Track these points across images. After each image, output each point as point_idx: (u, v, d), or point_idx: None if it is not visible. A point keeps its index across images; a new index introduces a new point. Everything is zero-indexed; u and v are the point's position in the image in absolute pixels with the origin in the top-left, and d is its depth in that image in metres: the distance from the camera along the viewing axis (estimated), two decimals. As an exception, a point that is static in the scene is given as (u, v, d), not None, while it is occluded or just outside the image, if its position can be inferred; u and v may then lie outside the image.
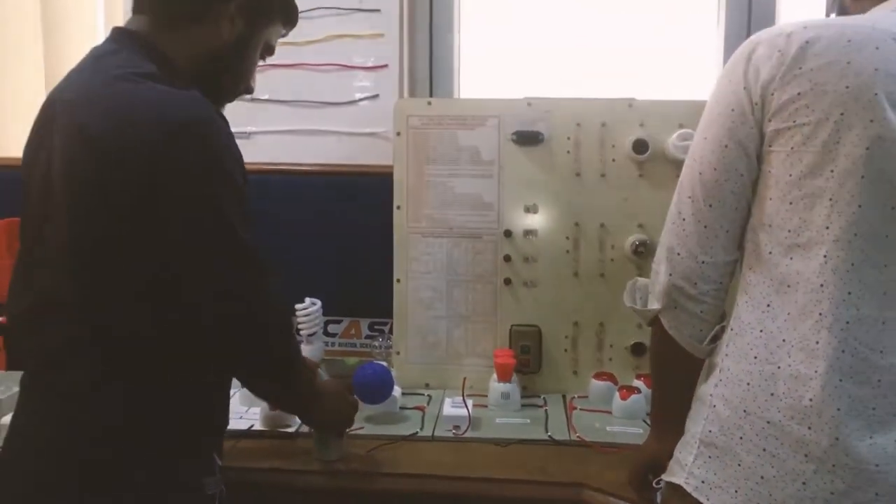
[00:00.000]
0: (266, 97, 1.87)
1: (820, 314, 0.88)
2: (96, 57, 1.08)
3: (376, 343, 1.78)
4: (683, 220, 1.01)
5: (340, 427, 1.31)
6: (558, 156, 1.65)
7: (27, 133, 1.11)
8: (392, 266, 1.70)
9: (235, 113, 1.13)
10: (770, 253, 0.94)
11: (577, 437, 1.42)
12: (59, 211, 1.01)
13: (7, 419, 1.20)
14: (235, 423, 1.35)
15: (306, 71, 1.86)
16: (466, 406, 1.47)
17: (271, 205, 1.78)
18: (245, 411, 1.48)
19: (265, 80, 1.78)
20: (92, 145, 0.98)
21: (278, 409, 1.38)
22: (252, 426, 1.43)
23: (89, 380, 1.02)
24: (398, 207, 1.69)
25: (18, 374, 1.11)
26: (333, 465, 1.31)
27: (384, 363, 1.55)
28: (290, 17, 1.22)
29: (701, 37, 1.97)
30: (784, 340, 0.91)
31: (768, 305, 0.94)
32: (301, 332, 1.67)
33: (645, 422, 1.46)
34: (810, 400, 0.87)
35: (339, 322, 1.87)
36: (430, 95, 1.97)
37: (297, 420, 1.42)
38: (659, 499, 1.07)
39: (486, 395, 1.57)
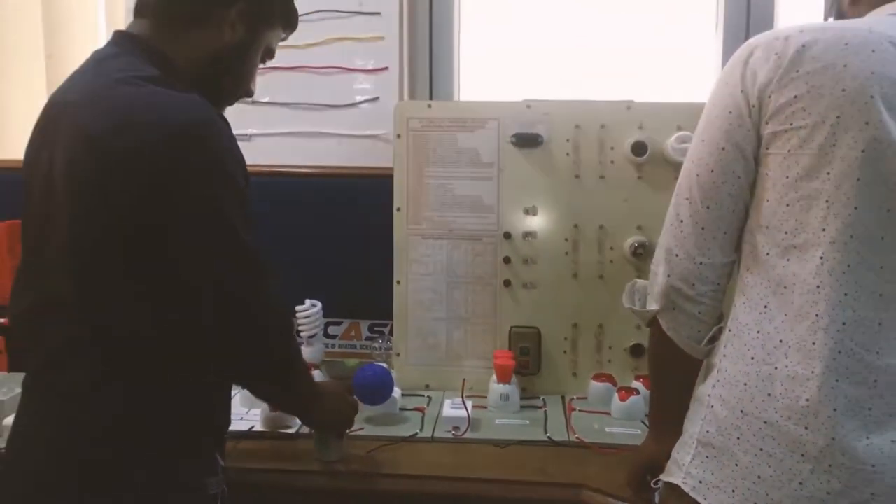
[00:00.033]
0: (267, 100, 1.88)
1: (816, 315, 0.89)
2: (98, 60, 1.08)
3: (376, 345, 1.79)
4: (681, 221, 1.02)
5: (340, 428, 1.32)
6: (557, 158, 1.66)
7: (28, 135, 1.12)
8: (392, 268, 1.71)
9: (236, 115, 1.14)
10: (767, 254, 0.95)
11: (576, 438, 1.42)
12: (61, 212, 1.02)
13: (9, 420, 1.21)
14: (236, 425, 1.36)
15: (307, 74, 1.87)
16: (466, 407, 1.48)
17: (272, 207, 1.78)
18: (246, 413, 1.49)
19: (266, 82, 1.80)
20: (93, 146, 0.98)
21: (278, 410, 1.38)
22: (253, 427, 1.43)
23: (90, 380, 1.02)
24: (398, 209, 1.70)
25: (20, 376, 1.11)
26: (333, 466, 1.32)
27: (384, 365, 1.56)
28: (290, 22, 1.23)
29: (700, 39, 1.98)
30: (781, 341, 0.91)
31: (765, 307, 0.94)
32: (301, 334, 1.67)
33: (643, 423, 1.46)
34: (807, 400, 0.88)
35: (339, 324, 1.87)
36: (430, 98, 1.98)
37: (298, 421, 1.42)
38: (657, 499, 1.07)
39: (486, 397, 1.58)
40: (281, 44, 1.25)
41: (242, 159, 1.06)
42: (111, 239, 0.99)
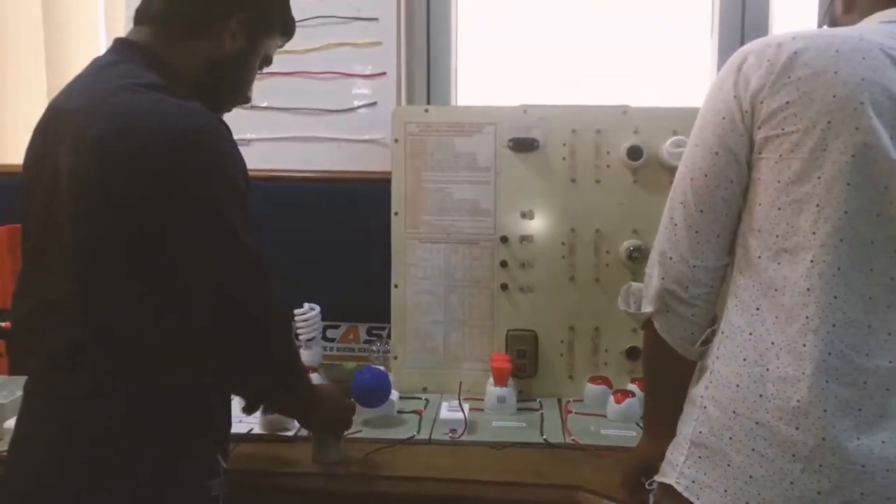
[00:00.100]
0: (266, 105, 1.89)
1: (807, 317, 0.90)
2: (99, 67, 1.09)
3: (374, 348, 1.80)
4: (675, 225, 1.03)
5: (339, 430, 1.33)
6: (554, 162, 1.67)
7: (28, 141, 1.13)
8: (390, 271, 1.72)
9: (236, 120, 1.15)
10: (759, 257, 0.96)
11: (572, 440, 1.44)
12: (64, 215, 1.02)
13: (10, 423, 1.22)
14: (235, 427, 1.35)
15: (305, 79, 1.88)
16: (463, 410, 1.49)
17: (270, 211, 1.79)
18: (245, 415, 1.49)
19: (265, 87, 1.81)
20: (97, 149, 0.99)
21: (278, 412, 1.39)
22: (251, 430, 1.44)
23: (92, 381, 1.03)
24: (396, 213, 1.71)
25: (22, 379, 1.12)
26: (332, 468, 1.33)
27: (382, 367, 1.57)
28: (288, 30, 1.24)
29: (695, 43, 2.00)
30: (772, 343, 0.93)
31: (757, 309, 0.95)
32: (300, 337, 1.69)
33: (638, 425, 1.47)
34: (798, 401, 0.89)
35: (337, 327, 1.88)
36: (428, 103, 1.99)
37: (296, 424, 1.43)
38: (651, 500, 1.08)
39: (483, 399, 1.59)
40: (280, 49, 1.26)
41: (243, 163, 1.07)
42: (114, 240, 1.00)
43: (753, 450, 0.91)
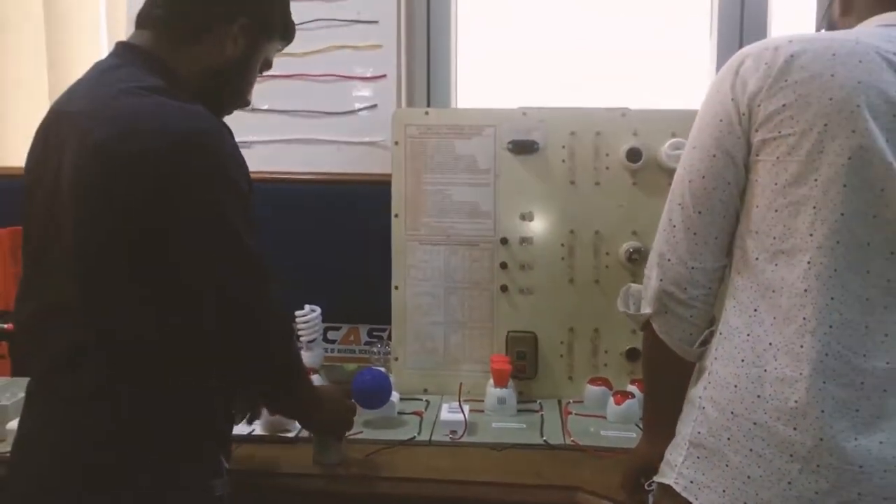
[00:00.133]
0: (266, 107, 1.90)
1: (804, 319, 0.91)
2: (101, 71, 1.10)
3: (375, 349, 1.80)
4: (674, 226, 1.04)
5: (340, 431, 1.33)
6: (553, 164, 1.68)
7: (30, 143, 1.13)
8: (390, 273, 1.72)
9: (237, 122, 1.15)
10: (756, 259, 0.97)
11: (572, 441, 1.44)
12: (66, 217, 1.03)
13: (13, 425, 1.22)
14: (237, 429, 1.36)
15: (306, 81, 1.89)
16: (463, 411, 1.49)
17: (271, 213, 1.79)
18: (246, 416, 1.50)
19: (266, 90, 1.82)
20: (99, 152, 1.00)
21: (279, 414, 1.40)
22: (253, 431, 1.45)
23: (94, 384, 1.03)
24: (396, 215, 1.72)
25: (24, 381, 1.13)
26: (333, 469, 1.33)
27: (382, 369, 1.57)
28: (288, 34, 1.25)
29: (694, 45, 2.00)
30: (770, 344, 0.93)
31: (755, 310, 0.96)
32: (301, 339, 1.69)
33: (638, 426, 1.48)
34: (795, 402, 0.89)
35: (338, 328, 1.88)
36: (428, 105, 2.00)
37: (297, 425, 1.44)
38: (651, 501, 1.09)
39: (483, 401, 1.59)
40: (281, 52, 1.27)
41: (245, 166, 1.08)
42: (116, 243, 1.01)
43: (751, 450, 0.92)
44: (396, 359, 1.73)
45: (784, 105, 0.93)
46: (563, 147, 1.67)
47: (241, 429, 1.43)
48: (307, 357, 1.67)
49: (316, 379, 1.60)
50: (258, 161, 1.80)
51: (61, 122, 1.07)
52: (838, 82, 0.91)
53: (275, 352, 1.10)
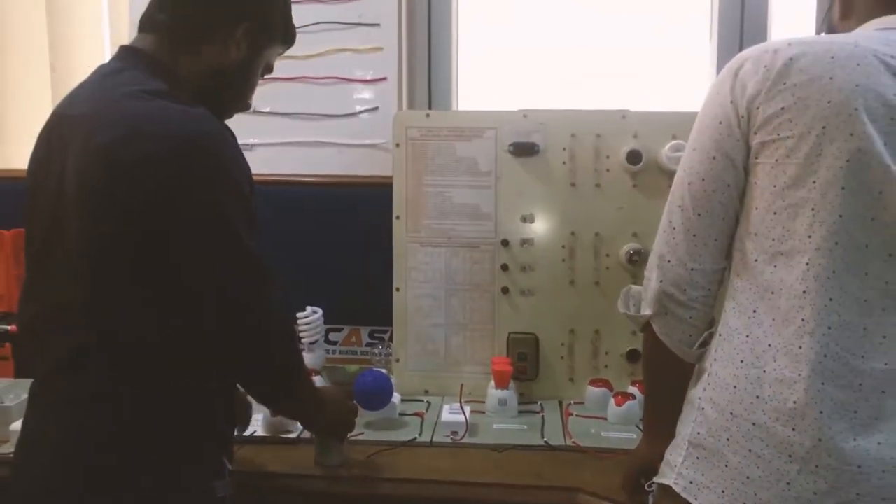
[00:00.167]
0: (268, 110, 1.90)
1: (803, 320, 0.91)
2: (105, 75, 1.11)
3: (376, 351, 1.81)
4: (674, 228, 1.04)
5: (342, 432, 1.33)
6: (554, 166, 1.68)
7: (32, 146, 1.14)
8: (391, 275, 1.73)
9: (238, 125, 1.16)
10: (756, 261, 0.97)
11: (573, 442, 1.44)
12: (69, 220, 1.04)
13: (16, 426, 1.23)
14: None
15: (308, 84, 1.90)
16: (464, 412, 1.50)
17: (273, 215, 1.80)
18: (247, 418, 1.51)
19: (267, 93, 1.83)
20: (103, 155, 1.00)
21: (281, 415, 1.40)
22: (254, 432, 1.45)
23: (96, 386, 1.04)
24: (397, 217, 1.72)
25: (27, 382, 1.13)
26: (334, 470, 1.34)
27: (384, 370, 1.58)
28: (289, 38, 1.26)
29: (695, 45, 2.01)
30: (769, 345, 0.94)
31: (754, 311, 0.97)
32: (303, 341, 1.70)
33: (638, 427, 1.48)
34: (794, 402, 0.90)
35: (339, 330, 1.89)
36: (429, 107, 2.00)
37: (299, 426, 1.44)
38: (651, 502, 1.09)
39: (484, 402, 1.60)
40: (282, 55, 1.28)
41: (248, 169, 1.08)
42: (118, 245, 1.01)
43: (750, 451, 0.92)
44: (398, 360, 1.74)
45: (783, 108, 0.94)
46: (564, 149, 1.68)
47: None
48: (309, 359, 1.67)
49: (318, 380, 1.60)
50: (260, 163, 1.81)
51: (64, 126, 1.08)
52: (836, 85, 0.91)
53: (275, 353, 1.11)
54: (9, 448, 1.29)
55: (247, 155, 1.10)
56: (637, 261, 1.63)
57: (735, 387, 0.96)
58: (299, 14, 1.28)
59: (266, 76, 1.25)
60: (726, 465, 0.94)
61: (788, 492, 0.89)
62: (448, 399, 1.63)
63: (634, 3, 2.02)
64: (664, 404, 1.09)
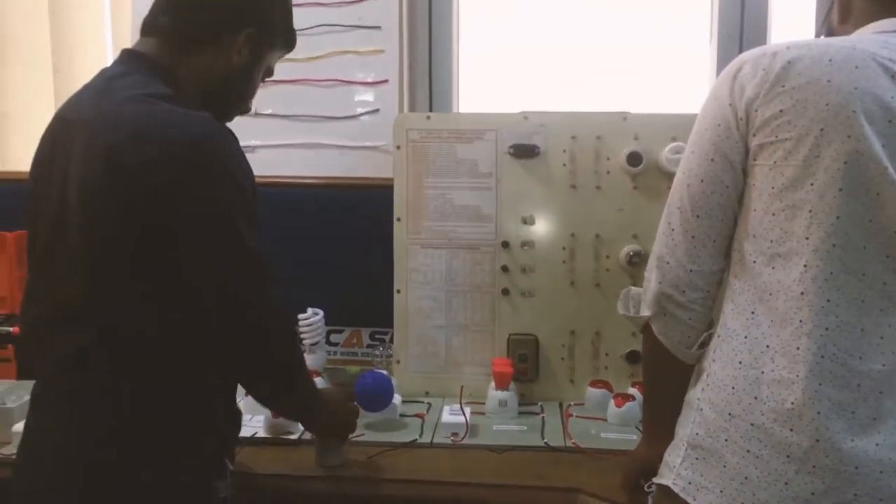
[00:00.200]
0: (270, 112, 1.91)
1: (800, 321, 0.92)
2: (108, 78, 1.11)
3: (377, 352, 1.81)
4: (673, 230, 1.05)
5: (343, 433, 1.34)
6: (554, 168, 1.69)
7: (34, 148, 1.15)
8: (392, 277, 1.73)
9: (240, 128, 1.17)
10: (754, 262, 0.98)
11: (572, 443, 1.45)
12: (73, 223, 1.04)
13: (19, 427, 1.24)
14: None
15: (309, 86, 1.90)
16: (464, 413, 1.50)
17: (274, 217, 1.80)
18: (249, 419, 1.50)
19: (269, 95, 1.84)
20: (107, 158, 1.01)
21: (281, 415, 1.40)
22: (256, 433, 1.46)
23: (97, 382, 1.05)
24: (398, 219, 1.73)
25: (30, 384, 1.14)
26: (335, 471, 1.34)
27: (385, 372, 1.58)
28: (290, 43, 1.27)
29: (695, 44, 2.01)
30: (767, 346, 0.94)
31: (752, 313, 0.97)
32: (304, 342, 1.70)
33: (638, 428, 1.48)
34: (792, 403, 0.90)
35: (340, 332, 1.90)
36: (430, 110, 2.01)
37: (300, 427, 1.45)
38: (650, 502, 1.10)
39: (485, 403, 1.60)
40: (284, 57, 1.29)
41: (250, 172, 1.09)
42: (119, 239, 1.02)
43: (748, 451, 0.93)
44: (398, 361, 1.74)
45: (781, 110, 0.94)
46: (564, 151, 1.68)
47: (243, 431, 1.43)
48: (310, 360, 1.67)
49: (319, 381, 1.61)
50: (261, 165, 1.80)
51: (67, 129, 1.08)
52: (834, 88, 0.92)
53: (275, 349, 1.11)
54: (11, 449, 1.30)
55: (248, 157, 1.10)
56: (637, 262, 1.63)
57: (733, 387, 0.96)
58: (301, 17, 1.29)
59: (266, 79, 1.26)
60: (725, 466, 0.95)
61: (786, 492, 0.90)
62: (448, 400, 1.64)
63: (635, 2, 2.02)
64: (663, 405, 1.09)
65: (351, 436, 1.37)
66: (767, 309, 0.95)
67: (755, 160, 0.98)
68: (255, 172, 1.11)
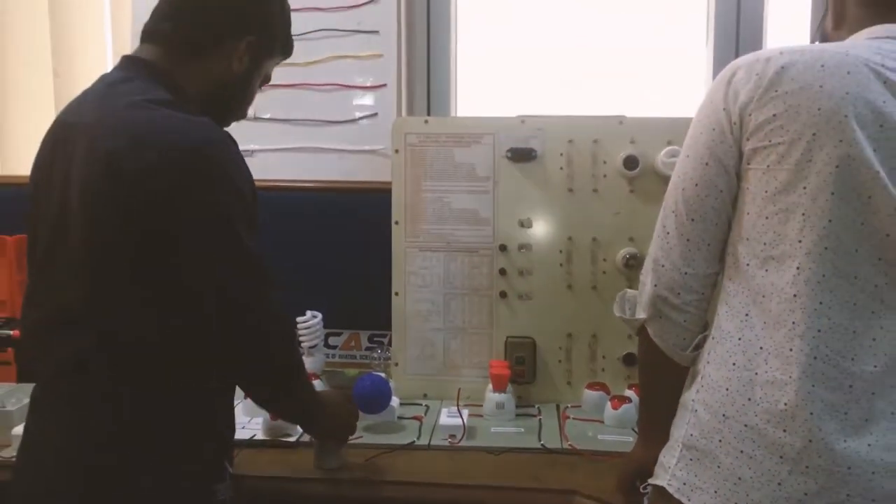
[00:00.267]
0: (269, 116, 1.92)
1: (793, 323, 0.92)
2: (108, 84, 1.12)
3: (375, 355, 1.82)
4: (668, 233, 1.06)
5: (343, 435, 1.34)
6: (551, 172, 1.69)
7: (35, 152, 1.15)
8: (391, 280, 1.74)
9: (239, 132, 1.17)
10: (748, 265, 0.99)
11: (569, 445, 1.45)
12: (75, 227, 1.05)
13: (18, 430, 1.24)
14: (238, 433, 1.37)
15: (308, 91, 1.92)
16: (462, 416, 1.51)
17: (273, 220, 1.81)
18: (248, 422, 1.51)
19: (268, 99, 1.85)
20: (108, 163, 1.02)
21: (281, 418, 1.41)
22: (254, 436, 1.46)
23: (97, 387, 1.05)
24: (396, 222, 1.74)
25: (29, 387, 1.15)
26: (334, 474, 1.35)
27: (383, 374, 1.59)
28: (288, 50, 1.28)
29: (692, 47, 2.03)
30: (761, 348, 0.95)
31: (746, 315, 0.98)
32: (303, 345, 1.71)
33: (634, 430, 1.49)
34: (785, 404, 0.91)
35: (339, 334, 1.90)
36: (428, 114, 2.02)
37: (298, 430, 1.45)
38: (645, 503, 1.10)
39: (482, 405, 1.61)
40: (283, 62, 1.30)
41: (250, 176, 1.10)
42: (119, 244, 1.03)
43: (742, 452, 0.94)
44: (396, 364, 1.75)
45: (774, 115, 0.95)
46: (561, 155, 1.69)
47: (242, 434, 1.44)
48: (309, 363, 1.68)
49: (318, 384, 1.61)
50: (260, 169, 1.81)
51: (68, 133, 1.09)
52: (826, 93, 0.93)
53: (275, 352, 1.12)
54: (10, 452, 1.31)
55: (248, 161, 1.11)
56: (633, 265, 1.64)
57: (727, 389, 0.97)
58: (300, 21, 1.30)
59: (264, 86, 1.27)
60: (719, 467, 0.95)
61: (779, 492, 0.90)
62: (446, 403, 1.65)
63: (632, 5, 2.03)
64: (659, 407, 1.10)
65: (350, 438, 1.37)
66: (761, 311, 0.96)
67: (749, 164, 0.99)
68: (255, 176, 1.12)
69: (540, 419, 1.59)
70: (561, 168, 1.69)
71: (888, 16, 1.02)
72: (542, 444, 1.46)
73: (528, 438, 1.49)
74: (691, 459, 0.99)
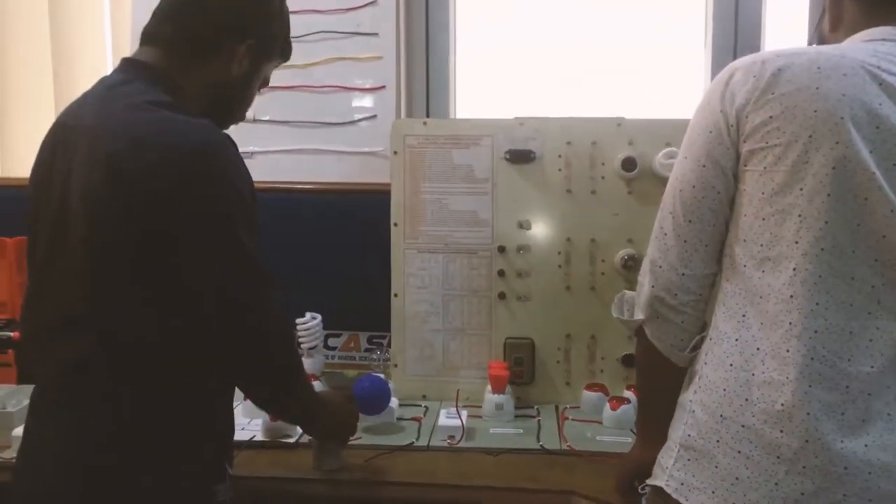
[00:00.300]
0: (268, 118, 1.93)
1: (790, 324, 0.93)
2: (108, 86, 1.12)
3: (375, 356, 1.82)
4: (665, 234, 1.06)
5: (343, 436, 1.34)
6: (550, 173, 1.70)
7: (35, 155, 1.15)
8: (390, 281, 1.75)
9: (239, 133, 1.18)
10: (745, 266, 0.99)
11: (568, 446, 1.46)
12: (75, 229, 1.05)
13: (18, 431, 1.25)
14: (238, 434, 1.37)
15: (307, 92, 1.92)
16: (461, 417, 1.51)
17: (273, 222, 1.81)
18: (247, 423, 1.52)
19: (268, 101, 1.85)
20: (108, 165, 1.02)
21: (281, 418, 1.41)
22: (254, 437, 1.47)
23: (97, 387, 1.05)
24: (395, 224, 1.74)
25: (29, 388, 1.15)
26: (333, 475, 1.35)
27: (382, 375, 1.59)
28: (287, 53, 1.28)
29: (690, 47, 2.03)
30: (758, 349, 0.96)
31: (743, 316, 0.98)
32: (302, 346, 1.71)
33: (633, 431, 1.49)
34: (782, 405, 0.92)
35: (338, 336, 1.91)
36: (427, 116, 2.03)
37: (298, 430, 1.46)
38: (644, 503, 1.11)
39: (481, 406, 1.61)
40: (283, 64, 1.30)
41: (250, 178, 1.10)
42: (119, 245, 1.03)
43: (740, 452, 0.94)
44: (396, 365, 1.75)
45: (771, 117, 0.96)
46: (560, 156, 1.69)
47: (242, 434, 1.45)
48: (308, 364, 1.69)
49: (317, 385, 1.62)
50: (260, 171, 1.80)
51: (68, 135, 1.09)
52: (823, 95, 0.93)
53: (275, 353, 1.12)
54: (11, 453, 1.31)
55: (247, 162, 1.11)
56: (632, 266, 1.64)
57: (725, 389, 0.97)
58: (299, 24, 1.31)
59: (263, 88, 1.27)
60: (716, 467, 0.96)
61: (776, 492, 0.91)
62: (445, 404, 1.65)
63: (631, 5, 2.04)
64: (657, 407, 1.10)
65: (350, 439, 1.37)
66: (758, 312, 0.97)
67: (746, 166, 1.00)
68: (254, 178, 1.12)
69: (539, 420, 1.60)
70: (559, 169, 1.70)
71: (885, 18, 1.02)
72: (540, 445, 1.47)
73: (527, 439, 1.50)
74: (689, 460, 0.99)
